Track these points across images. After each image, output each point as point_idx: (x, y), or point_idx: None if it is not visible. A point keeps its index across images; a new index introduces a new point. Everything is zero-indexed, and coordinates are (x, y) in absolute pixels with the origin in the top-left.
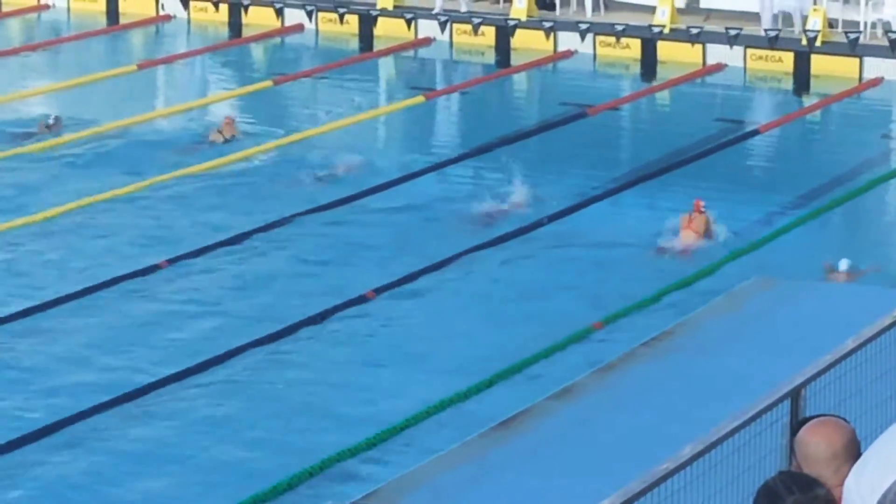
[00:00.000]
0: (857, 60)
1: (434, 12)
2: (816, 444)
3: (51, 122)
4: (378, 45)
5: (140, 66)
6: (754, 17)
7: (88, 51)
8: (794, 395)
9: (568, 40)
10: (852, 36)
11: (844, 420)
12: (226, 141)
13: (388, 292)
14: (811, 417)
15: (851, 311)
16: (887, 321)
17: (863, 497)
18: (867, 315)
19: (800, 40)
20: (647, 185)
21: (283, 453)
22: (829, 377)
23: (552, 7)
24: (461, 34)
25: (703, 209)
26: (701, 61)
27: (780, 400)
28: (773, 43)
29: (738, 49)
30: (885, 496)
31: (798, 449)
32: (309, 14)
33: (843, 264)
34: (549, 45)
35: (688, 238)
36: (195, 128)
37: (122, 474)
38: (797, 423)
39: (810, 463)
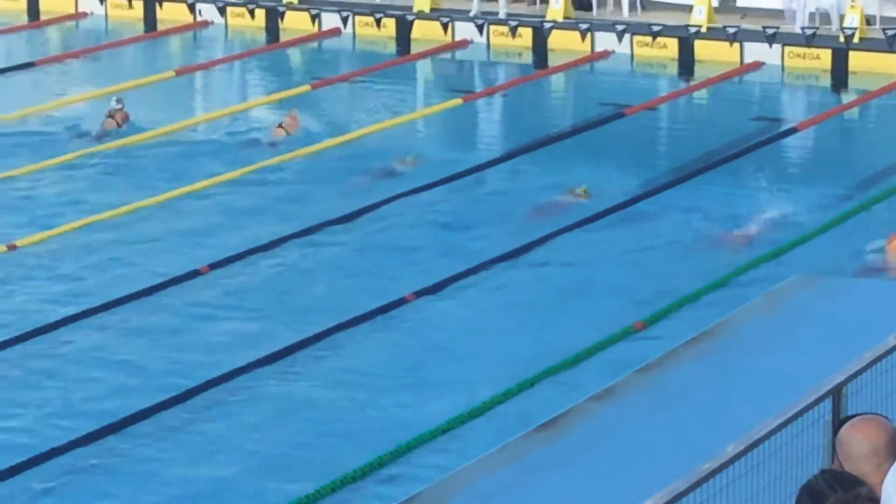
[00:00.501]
0: (895, 56)
1: (471, 14)
2: (858, 441)
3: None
4: (415, 49)
5: (178, 73)
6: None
7: (127, 58)
8: (836, 394)
9: (605, 41)
10: (890, 32)
11: (886, 418)
12: (288, 136)
13: (428, 294)
14: (853, 416)
15: (893, 308)
16: None
17: None
18: None
19: (837, 37)
20: (687, 184)
21: (324, 456)
22: (871, 375)
23: (589, 7)
24: (498, 36)
25: None
26: (738, 60)
27: (822, 398)
28: (810, 41)
29: (776, 47)
30: None
31: (839, 447)
32: (344, 20)
33: None
34: (585, 46)
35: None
36: (234, 133)
37: (154, 479)
38: (839, 422)
39: (852, 461)
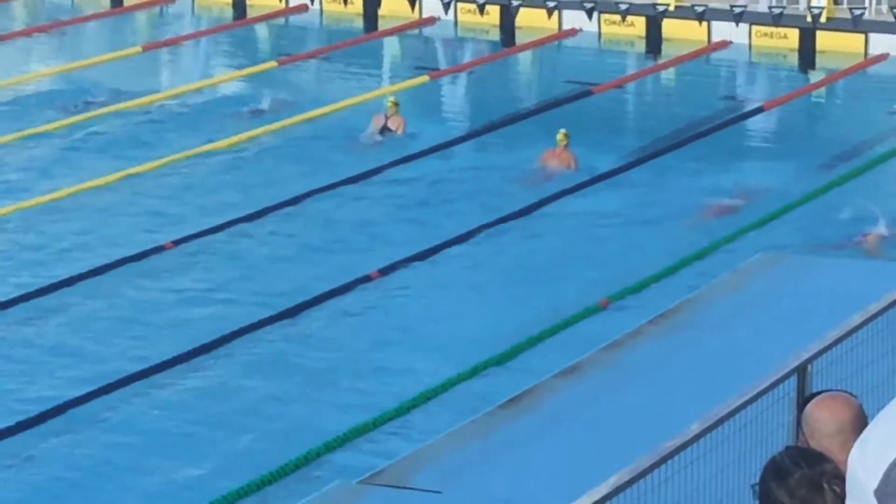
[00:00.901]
0: (862, 36)
1: None
2: (823, 418)
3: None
4: (382, 25)
5: (145, 48)
6: None
7: (92, 33)
8: (801, 371)
9: (573, 18)
10: (857, 12)
11: (851, 395)
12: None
13: (394, 272)
14: (818, 393)
15: (859, 286)
16: (894, 296)
17: (867, 471)
18: (875, 290)
19: (805, 17)
20: (653, 162)
21: (290, 433)
22: (837, 352)
23: None
24: (465, 13)
25: None
26: (706, 39)
27: (787, 376)
28: (777, 20)
29: (743, 26)
30: (890, 469)
31: (805, 424)
32: None
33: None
34: (553, 24)
35: None
36: (200, 109)
37: (128, 455)
38: (804, 399)
39: (817, 438)
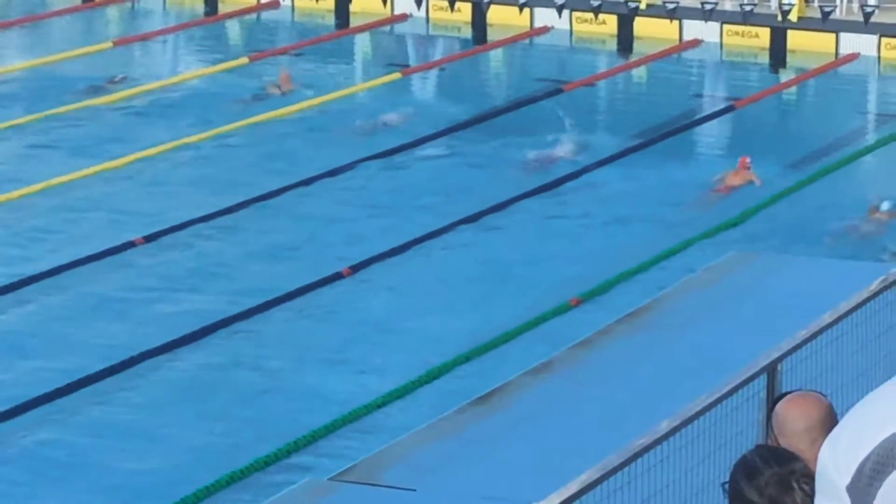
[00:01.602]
0: (832, 36)
1: None
2: (792, 417)
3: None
4: (354, 22)
5: (116, 44)
6: None
7: (64, 28)
8: (771, 370)
9: (544, 16)
10: (827, 10)
11: (821, 394)
12: (283, 94)
13: (365, 269)
14: (788, 392)
15: (829, 286)
16: (864, 295)
17: (838, 469)
18: (845, 289)
19: (776, 16)
20: (623, 161)
21: (260, 430)
22: (807, 352)
23: None
24: (437, 10)
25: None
26: (678, 37)
27: (757, 375)
28: (747, 18)
29: (715, 25)
30: (861, 467)
31: (774, 423)
32: None
33: (885, 205)
34: (524, 21)
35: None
36: (169, 106)
37: (96, 451)
38: (774, 398)
39: (786, 436)
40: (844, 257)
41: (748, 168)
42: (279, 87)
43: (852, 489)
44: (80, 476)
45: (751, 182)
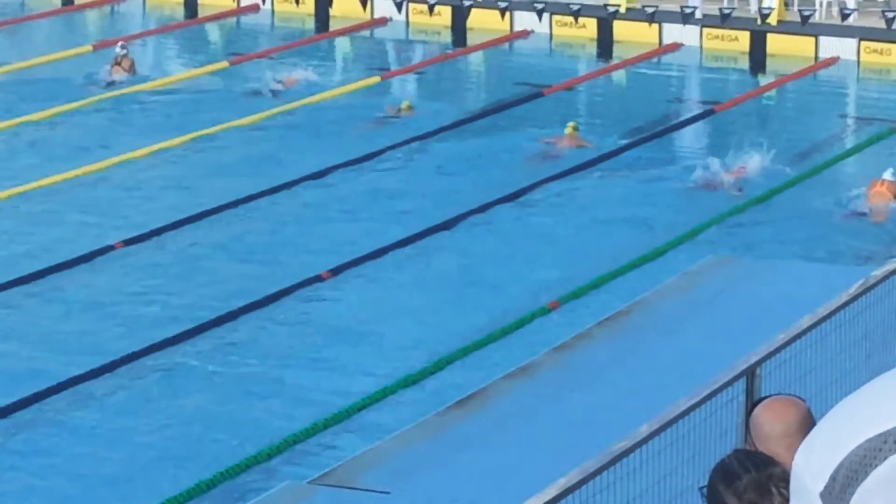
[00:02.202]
0: (812, 40)
1: None
2: (770, 421)
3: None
4: (334, 25)
5: (96, 47)
6: None
7: (44, 31)
8: (750, 374)
9: (524, 20)
10: (806, 14)
11: (799, 398)
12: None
13: (344, 272)
14: (767, 396)
15: (808, 290)
16: (843, 299)
17: (812, 474)
18: (824, 292)
19: (755, 19)
20: (603, 164)
21: (239, 433)
22: (786, 355)
23: None
24: (417, 14)
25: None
26: (657, 41)
27: (736, 378)
28: (725, 21)
29: (694, 28)
30: (836, 472)
31: (753, 427)
32: None
33: (888, 173)
34: (505, 25)
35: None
36: (149, 109)
37: (70, 454)
38: (753, 402)
39: (764, 441)
40: (823, 261)
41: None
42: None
43: (826, 495)
44: (54, 481)
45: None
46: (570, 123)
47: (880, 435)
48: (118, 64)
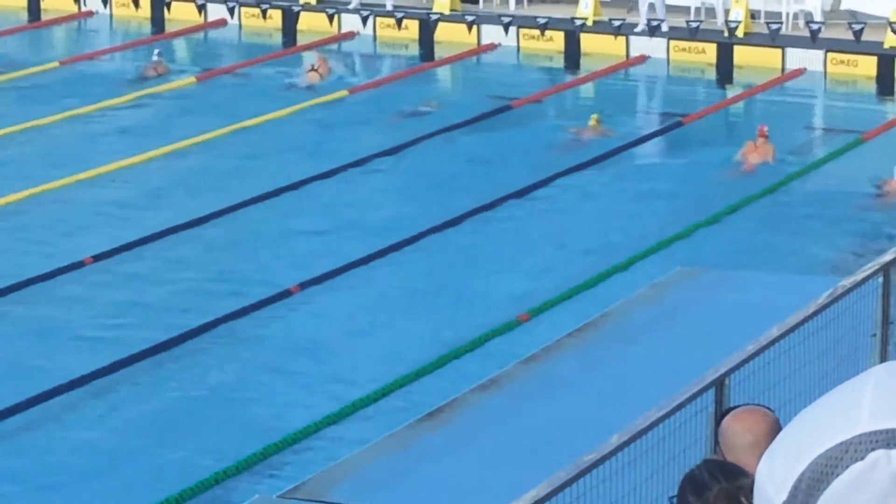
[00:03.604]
0: (779, 51)
1: (351, 7)
2: (738, 432)
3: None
4: (301, 40)
5: (62, 63)
6: (678, 9)
7: (9, 48)
8: (719, 385)
9: (492, 33)
10: (774, 27)
11: (768, 408)
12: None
13: (312, 287)
14: (735, 406)
15: (776, 300)
16: (811, 309)
17: (775, 483)
18: (792, 303)
19: (722, 32)
20: (570, 177)
21: (210, 447)
22: (755, 366)
23: (475, 0)
24: (384, 28)
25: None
26: (624, 53)
27: (705, 389)
28: (693, 34)
29: (662, 41)
30: (798, 482)
31: (722, 438)
32: (231, 10)
33: None
34: (472, 39)
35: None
36: (117, 125)
37: (38, 473)
38: (721, 413)
39: (732, 451)
40: (792, 271)
41: (766, 137)
42: (318, 72)
43: None
44: (24, 500)
45: (766, 161)
46: (594, 117)
47: (841, 444)
48: (153, 69)
